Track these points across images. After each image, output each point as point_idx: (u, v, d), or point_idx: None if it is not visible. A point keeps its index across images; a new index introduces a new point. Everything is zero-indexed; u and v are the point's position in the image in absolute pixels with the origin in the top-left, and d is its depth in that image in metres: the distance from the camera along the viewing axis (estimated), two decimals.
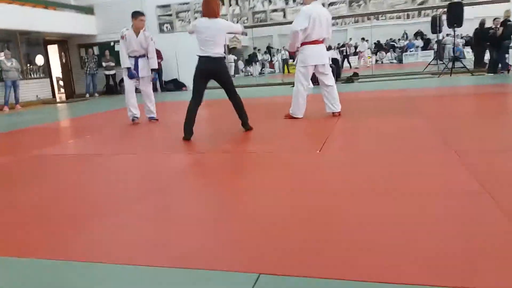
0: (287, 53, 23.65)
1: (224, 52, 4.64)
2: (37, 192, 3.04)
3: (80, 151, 4.76)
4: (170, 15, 13.71)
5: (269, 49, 25.81)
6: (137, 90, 6.47)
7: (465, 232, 1.85)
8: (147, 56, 6.16)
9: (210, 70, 4.55)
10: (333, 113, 5.45)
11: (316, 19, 5.07)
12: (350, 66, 20.58)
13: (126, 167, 3.73)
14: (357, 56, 22.64)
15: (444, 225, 1.93)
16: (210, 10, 4.53)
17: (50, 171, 3.79)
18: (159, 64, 13.47)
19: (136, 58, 6.06)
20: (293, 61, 24.39)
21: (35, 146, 5.00)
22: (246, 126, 4.77)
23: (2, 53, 11.49)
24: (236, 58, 22.97)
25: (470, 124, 4.52)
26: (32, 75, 13.05)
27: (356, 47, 23.71)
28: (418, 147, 3.57)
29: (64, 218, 2.42)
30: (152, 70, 6.23)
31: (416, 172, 2.80)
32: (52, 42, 14.61)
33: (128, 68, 6.03)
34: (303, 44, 5.24)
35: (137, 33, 6.02)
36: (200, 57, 4.53)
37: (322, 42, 5.28)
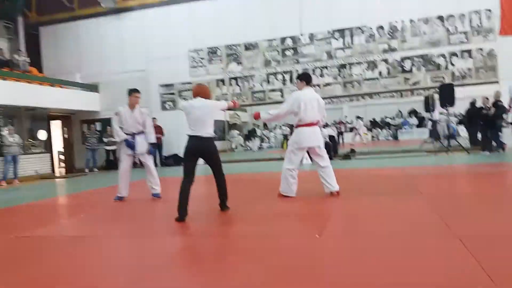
0: (287, 129, 24.26)
1: (214, 132, 4.77)
2: (22, 276, 2.91)
3: (72, 232, 4.63)
4: (173, 93, 14.21)
5: (266, 126, 26.45)
6: (135, 166, 6.52)
7: None
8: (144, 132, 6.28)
9: (199, 149, 4.62)
10: (331, 192, 5.44)
11: (308, 103, 5.31)
12: (343, 143, 20.92)
13: (117, 252, 3.63)
14: (353, 133, 23.15)
15: None
16: (203, 92, 4.78)
17: (38, 254, 3.67)
18: (160, 139, 13.80)
19: (133, 135, 6.16)
20: (270, 131, 25.19)
21: (26, 226, 4.89)
22: (224, 207, 4.81)
23: (6, 128, 11.70)
24: (238, 132, 23.54)
25: (471, 206, 4.49)
26: (33, 150, 13.18)
27: (351, 125, 24.36)
28: (421, 232, 3.50)
29: None
30: (150, 144, 6.28)
31: (421, 263, 2.72)
32: (55, 118, 14.96)
33: (126, 140, 6.11)
34: (298, 126, 5.42)
35: (132, 109, 6.17)
36: (190, 137, 4.61)
37: (316, 124, 5.45)
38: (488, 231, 3.37)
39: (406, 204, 4.71)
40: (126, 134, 6.15)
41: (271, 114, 5.60)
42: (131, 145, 6.12)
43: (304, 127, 5.36)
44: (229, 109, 5.38)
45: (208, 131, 4.61)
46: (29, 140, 13.12)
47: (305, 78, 5.56)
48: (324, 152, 5.51)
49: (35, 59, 14.93)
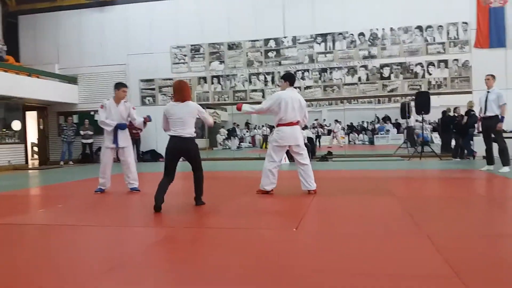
0: (267, 129, 24.42)
1: (195, 132, 4.85)
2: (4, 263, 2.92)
3: (50, 221, 4.63)
4: (153, 89, 14.15)
5: (247, 125, 26.60)
6: (115, 160, 6.51)
7: None
8: (129, 127, 6.36)
9: (180, 149, 4.75)
10: (308, 191, 5.58)
11: (289, 103, 5.44)
12: (319, 146, 21.17)
13: (94, 241, 3.65)
14: (330, 136, 23.46)
15: None
16: (182, 95, 4.80)
17: (17, 242, 3.67)
18: (138, 134, 13.71)
19: (116, 129, 6.17)
20: (247, 131, 25.39)
21: (3, 214, 4.85)
22: (199, 201, 4.89)
23: None
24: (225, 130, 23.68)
25: (440, 208, 4.69)
26: (7, 140, 12.90)
27: (329, 127, 24.67)
28: (392, 228, 3.66)
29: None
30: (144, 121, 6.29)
31: (389, 256, 2.86)
32: (31, 108, 14.68)
33: (118, 124, 6.15)
34: (279, 125, 5.56)
35: (117, 103, 6.22)
36: (172, 137, 4.72)
37: (296, 123, 5.59)
38: (455, 231, 3.55)
39: (378, 204, 4.89)
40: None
41: (252, 108, 5.81)
42: (123, 127, 6.22)
43: (285, 126, 5.50)
44: (209, 125, 5.30)
45: (189, 132, 4.73)
46: (3, 130, 12.84)
47: (288, 79, 5.68)
48: (304, 151, 5.65)
49: (13, 48, 14.61)
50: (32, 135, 15.71)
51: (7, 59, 13.48)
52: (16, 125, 13.33)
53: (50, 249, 3.37)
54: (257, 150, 20.72)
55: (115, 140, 6.19)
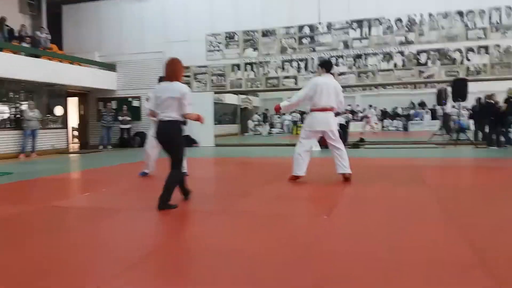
0: (298, 115, 24.39)
1: (182, 117, 4.22)
2: (50, 245, 3.21)
3: (96, 204, 4.96)
4: (189, 76, 14.44)
5: (278, 112, 26.71)
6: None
7: None
8: None
9: (161, 134, 4.26)
10: (343, 174, 5.64)
11: (324, 88, 5.50)
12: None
13: (140, 224, 3.91)
14: (363, 122, 23.17)
15: None
16: (168, 74, 4.28)
17: (67, 224, 3.99)
18: None
19: None
20: (279, 117, 25.24)
21: (52, 197, 5.21)
22: (160, 206, 4.13)
23: (26, 103, 12.07)
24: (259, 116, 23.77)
25: (473, 197, 4.70)
26: (51, 125, 13.56)
27: (362, 113, 24.35)
28: (421, 217, 3.74)
29: (81, 271, 2.59)
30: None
31: (417, 242, 2.97)
32: (72, 95, 15.31)
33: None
34: (312, 110, 5.62)
35: None
36: (157, 122, 4.33)
37: (331, 109, 5.59)
38: (487, 221, 3.59)
39: (411, 193, 4.93)
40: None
41: (289, 101, 5.83)
42: None
43: (318, 111, 5.55)
44: (194, 118, 4.31)
45: (171, 115, 4.16)
46: (47, 115, 13.49)
47: (326, 65, 5.77)
48: (337, 136, 5.67)
49: (56, 37, 15.23)
50: (73, 120, 16.40)
51: (51, 47, 14.08)
52: (58, 110, 13.95)
53: (97, 231, 3.66)
54: (288, 136, 20.82)
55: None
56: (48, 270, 2.56)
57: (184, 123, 4.28)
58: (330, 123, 5.60)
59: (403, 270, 2.45)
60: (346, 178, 5.64)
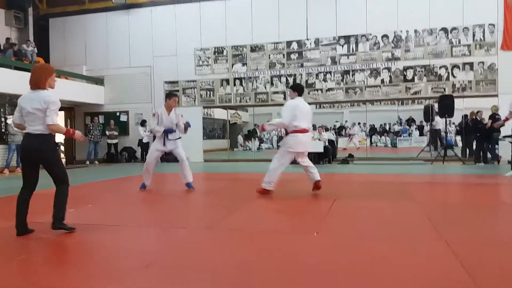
0: (283, 130, 24.42)
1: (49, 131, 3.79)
2: (33, 260, 3.10)
3: (81, 220, 4.82)
4: (177, 90, 14.41)
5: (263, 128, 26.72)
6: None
7: None
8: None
9: (30, 150, 3.76)
10: (318, 182, 5.93)
11: (303, 111, 5.84)
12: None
13: (124, 239, 3.81)
14: (348, 138, 23.26)
15: None
16: (31, 81, 3.81)
17: (48, 240, 3.86)
18: None
19: (165, 134, 6.62)
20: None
21: (34, 213, 5.05)
22: (55, 224, 3.83)
23: (11, 117, 11.86)
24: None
25: (462, 214, 4.69)
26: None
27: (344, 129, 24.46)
28: (410, 233, 3.70)
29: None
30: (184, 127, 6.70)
31: (406, 261, 2.92)
32: (59, 109, 15.09)
33: (165, 130, 6.56)
34: (294, 132, 5.80)
35: (169, 111, 6.63)
36: (24, 135, 3.85)
37: (308, 131, 5.97)
38: (475, 237, 3.57)
39: (399, 209, 4.92)
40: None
41: (273, 124, 6.36)
42: (171, 131, 6.60)
43: (300, 133, 5.78)
44: (61, 132, 4.00)
45: (39, 128, 3.73)
46: None
47: (298, 89, 6.01)
48: (306, 155, 6.05)
49: (43, 50, 15.12)
50: (59, 135, 16.17)
51: (37, 60, 13.95)
52: None
53: (82, 247, 3.54)
54: (275, 151, 20.77)
55: (164, 144, 6.61)
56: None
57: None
58: (308, 145, 6.06)
59: (390, 286, 2.39)
60: (318, 186, 5.92)
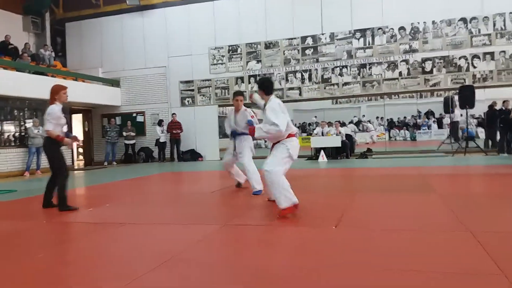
0: (296, 128, 24.25)
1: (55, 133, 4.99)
2: (51, 260, 3.10)
3: (99, 219, 4.84)
4: (192, 90, 14.42)
5: None
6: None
7: None
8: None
9: (43, 147, 5.41)
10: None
11: (287, 112, 4.44)
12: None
13: (143, 237, 3.78)
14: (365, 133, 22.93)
15: None
16: (50, 95, 5.18)
17: (68, 238, 3.87)
18: (178, 135, 14.02)
19: (233, 136, 6.20)
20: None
21: (55, 213, 5.10)
22: (60, 208, 5.06)
23: (31, 121, 12.06)
24: None
25: (485, 204, 4.53)
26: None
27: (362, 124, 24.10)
28: (433, 225, 3.58)
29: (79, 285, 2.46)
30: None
31: (432, 251, 2.81)
32: (77, 111, 15.33)
33: (232, 131, 6.19)
34: (290, 135, 4.42)
35: (236, 111, 6.15)
36: None
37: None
38: (501, 227, 3.43)
39: (420, 201, 4.78)
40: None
41: (267, 132, 4.29)
42: (234, 133, 6.16)
43: (294, 137, 4.48)
44: (53, 137, 5.06)
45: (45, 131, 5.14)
46: None
47: (271, 88, 4.62)
48: None
49: (60, 54, 15.34)
50: (78, 137, 16.38)
51: (55, 64, 14.16)
52: (64, 128, 13.94)
53: (101, 245, 3.53)
54: None
55: (234, 145, 6.22)
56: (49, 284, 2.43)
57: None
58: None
59: (419, 280, 2.29)
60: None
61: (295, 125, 25.37)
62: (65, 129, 5.39)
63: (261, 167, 4.27)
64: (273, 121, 4.15)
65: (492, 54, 11.99)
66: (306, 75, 13.43)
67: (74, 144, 12.70)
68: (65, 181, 5.11)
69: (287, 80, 13.61)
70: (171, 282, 2.49)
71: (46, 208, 5.20)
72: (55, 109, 5.06)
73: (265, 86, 4.54)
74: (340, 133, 12.50)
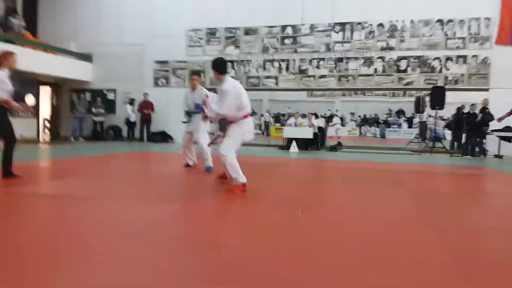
0: (270, 117, 24.31)
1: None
2: (11, 230, 2.96)
3: (62, 192, 4.68)
4: (167, 70, 14.13)
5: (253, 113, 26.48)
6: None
7: None
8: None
9: None
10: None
11: (244, 93, 4.64)
12: None
13: (107, 213, 3.67)
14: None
15: None
16: None
17: (26, 210, 3.71)
18: (149, 115, 13.76)
19: (190, 114, 6.59)
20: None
21: (14, 183, 4.90)
22: (4, 173, 5.04)
23: None
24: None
25: (448, 201, 4.64)
26: (20, 114, 13.01)
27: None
28: (397, 217, 3.63)
29: (36, 258, 2.36)
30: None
31: (392, 243, 2.84)
32: (45, 84, 14.77)
33: (186, 111, 6.61)
34: (245, 116, 4.67)
35: (193, 90, 6.53)
36: None
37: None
38: (461, 223, 3.52)
39: (385, 194, 4.85)
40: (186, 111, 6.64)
41: (215, 115, 4.68)
42: (190, 112, 6.55)
43: (248, 118, 4.72)
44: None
45: None
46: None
47: (224, 68, 4.77)
48: None
49: (31, 24, 14.66)
50: (45, 110, 15.82)
51: (24, 34, 13.54)
52: (30, 99, 13.39)
53: (62, 218, 3.40)
54: (265, 137, 20.71)
55: (189, 124, 6.64)
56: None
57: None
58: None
59: (381, 268, 2.30)
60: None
61: (270, 114, 25.51)
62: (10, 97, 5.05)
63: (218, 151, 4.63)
64: (217, 111, 4.57)
65: (465, 57, 12.27)
66: (283, 65, 13.38)
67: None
68: (12, 147, 5.02)
69: (264, 68, 13.53)
70: (132, 256, 2.41)
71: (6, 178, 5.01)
72: (0, 74, 4.88)
73: (217, 66, 4.69)
74: (312, 125, 12.58)
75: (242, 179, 4.58)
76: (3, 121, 4.96)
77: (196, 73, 6.66)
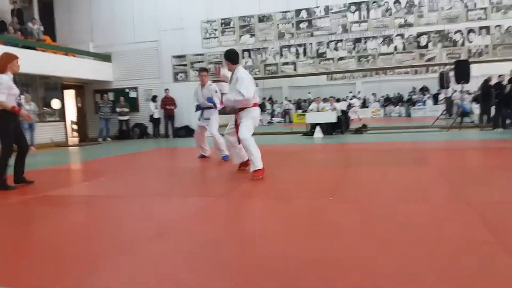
0: (290, 104, 24.16)
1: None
2: (48, 231, 3.07)
3: (94, 193, 4.81)
4: (185, 65, 14.22)
5: (271, 101, 26.37)
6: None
7: (476, 276, 1.85)
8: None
9: None
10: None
11: (254, 82, 4.94)
12: None
13: (138, 209, 3.76)
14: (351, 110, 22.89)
15: (457, 272, 1.93)
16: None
17: (63, 212, 3.84)
18: (172, 111, 13.90)
19: (202, 109, 6.89)
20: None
21: (47, 187, 5.06)
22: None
23: (22, 96, 11.84)
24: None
25: (481, 176, 4.54)
26: (48, 119, 13.38)
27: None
28: (429, 196, 3.59)
29: (76, 257, 2.44)
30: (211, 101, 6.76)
31: (428, 222, 2.82)
32: (69, 87, 15.09)
33: (197, 105, 6.89)
34: (255, 105, 4.97)
35: (202, 86, 6.89)
36: None
37: None
38: (496, 198, 3.45)
39: (416, 174, 4.78)
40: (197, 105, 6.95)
41: (234, 101, 4.83)
42: (200, 107, 6.86)
43: (257, 107, 5.01)
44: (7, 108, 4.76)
45: None
46: (44, 108, 13.30)
47: (236, 58, 5.05)
48: None
49: (49, 28, 14.96)
50: (71, 113, 16.20)
51: (44, 39, 13.83)
52: (56, 103, 13.73)
53: (97, 216, 3.51)
54: (288, 125, 20.64)
55: (200, 118, 6.96)
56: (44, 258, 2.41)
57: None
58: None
59: (415, 248, 2.29)
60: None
61: (290, 101, 25.39)
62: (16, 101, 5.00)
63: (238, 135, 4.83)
64: (240, 90, 4.68)
65: (487, 28, 11.87)
66: (301, 50, 13.26)
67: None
68: (7, 158, 4.87)
69: (281, 55, 13.44)
70: (168, 251, 2.48)
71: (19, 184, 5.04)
72: (4, 78, 4.69)
73: (230, 57, 4.98)
74: (335, 109, 12.46)
75: (259, 163, 4.75)
76: (6, 130, 4.79)
77: (204, 69, 6.92)
